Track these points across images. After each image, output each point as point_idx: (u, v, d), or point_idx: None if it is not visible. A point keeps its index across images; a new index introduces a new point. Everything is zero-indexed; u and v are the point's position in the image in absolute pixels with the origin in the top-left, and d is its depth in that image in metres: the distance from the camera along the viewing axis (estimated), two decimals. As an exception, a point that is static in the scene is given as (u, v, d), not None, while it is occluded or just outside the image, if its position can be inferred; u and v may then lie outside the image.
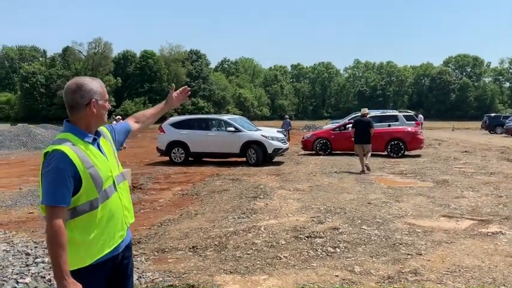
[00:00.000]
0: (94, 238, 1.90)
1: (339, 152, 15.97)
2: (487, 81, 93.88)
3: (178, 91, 2.63)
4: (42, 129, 24.07)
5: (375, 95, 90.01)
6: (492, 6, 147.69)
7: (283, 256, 4.66)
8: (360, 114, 12.91)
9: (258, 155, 13.06)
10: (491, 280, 3.95)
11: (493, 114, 38.73)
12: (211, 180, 10.25)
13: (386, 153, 14.97)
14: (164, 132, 14.10)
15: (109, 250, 1.97)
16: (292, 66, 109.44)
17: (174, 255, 4.80)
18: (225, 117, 14.65)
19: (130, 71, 73.20)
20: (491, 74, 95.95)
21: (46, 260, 4.46)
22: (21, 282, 3.87)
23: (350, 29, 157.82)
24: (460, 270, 4.19)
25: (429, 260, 4.51)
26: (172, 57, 73.44)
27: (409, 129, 15.80)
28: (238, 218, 6.41)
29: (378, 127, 14.74)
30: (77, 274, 1.81)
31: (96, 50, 70.07)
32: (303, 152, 16.98)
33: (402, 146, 14.97)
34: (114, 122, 2.40)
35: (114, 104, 57.50)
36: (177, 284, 3.94)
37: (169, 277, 4.13)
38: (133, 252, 2.40)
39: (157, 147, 14.43)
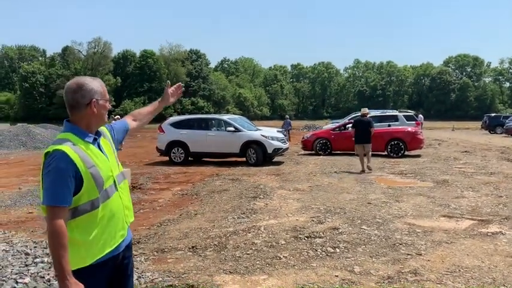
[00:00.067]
0: (95, 238, 1.90)
1: (338, 152, 15.96)
2: (487, 81, 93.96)
3: (173, 87, 2.63)
4: (42, 129, 24.07)
5: (375, 95, 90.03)
6: (492, 6, 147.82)
7: (283, 256, 4.65)
8: (360, 114, 12.91)
9: (258, 155, 13.05)
10: (491, 280, 3.95)
11: (493, 114, 38.75)
12: (211, 180, 10.25)
13: (386, 153, 14.97)
14: (164, 132, 14.09)
15: (110, 250, 1.96)
16: (292, 66, 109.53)
17: (173, 255, 4.79)
18: (225, 117, 14.64)
19: (129, 70, 73.24)
20: (491, 74, 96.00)
21: (45, 260, 4.46)
22: (21, 282, 3.86)
23: (350, 29, 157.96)
24: (459, 271, 4.19)
25: (429, 260, 4.50)
26: (172, 56, 73.46)
27: (409, 129, 15.80)
28: (238, 218, 6.40)
29: (378, 127, 14.74)
30: (77, 274, 1.81)
31: (95, 50, 70.10)
32: (302, 152, 16.98)
33: (402, 146, 14.96)
34: (113, 122, 2.39)
35: (114, 103, 57.46)
36: (177, 284, 3.94)
37: (169, 277, 4.12)
38: (133, 252, 2.39)
39: (157, 147, 14.42)
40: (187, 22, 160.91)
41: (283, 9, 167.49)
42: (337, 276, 4.10)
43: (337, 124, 19.52)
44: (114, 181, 2.02)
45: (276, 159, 14.17)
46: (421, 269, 4.24)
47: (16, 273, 4.06)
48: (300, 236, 5.35)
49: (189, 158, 13.90)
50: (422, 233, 5.48)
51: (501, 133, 30.54)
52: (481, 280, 3.96)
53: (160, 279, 4.07)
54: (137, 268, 4.28)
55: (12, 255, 4.62)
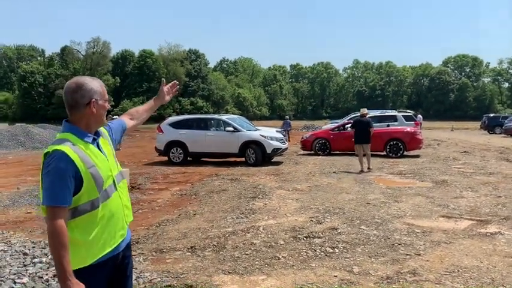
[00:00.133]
0: (95, 238, 1.89)
1: (337, 152, 15.96)
2: (486, 82, 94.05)
3: (168, 85, 2.63)
4: (40, 129, 24.02)
5: (374, 95, 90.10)
6: (491, 6, 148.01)
7: (282, 256, 4.65)
8: (359, 114, 12.94)
9: (257, 155, 13.05)
10: (490, 280, 3.95)
11: (492, 115, 38.84)
12: (209, 180, 10.24)
13: (385, 153, 14.97)
14: (163, 132, 14.08)
15: (110, 249, 1.96)
16: (291, 66, 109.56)
17: (172, 256, 4.79)
18: (224, 117, 14.63)
19: (128, 70, 73.21)
20: (490, 74, 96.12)
21: (44, 260, 4.45)
22: (19, 283, 3.85)
23: (349, 29, 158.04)
24: (458, 271, 4.19)
25: (428, 260, 4.50)
26: (171, 56, 73.39)
27: (408, 129, 15.81)
28: (236, 218, 6.40)
29: (377, 127, 14.73)
30: (78, 274, 1.80)
31: (94, 50, 70.00)
32: (302, 152, 16.98)
33: (401, 146, 14.96)
34: (111, 122, 2.39)
35: (113, 103, 57.41)
36: (175, 284, 3.93)
37: (168, 277, 4.12)
38: (132, 252, 2.39)
39: (155, 147, 14.40)
40: (186, 22, 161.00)
41: (283, 10, 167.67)
42: (336, 276, 4.10)
43: (336, 124, 19.52)
44: (114, 181, 2.01)
45: (275, 159, 14.17)
46: (420, 269, 4.24)
47: (14, 274, 4.05)
48: (298, 236, 5.35)
49: (188, 158, 13.89)
50: (421, 233, 5.48)
51: (500, 133, 30.58)
52: (480, 280, 3.96)
53: (159, 279, 4.07)
54: (136, 268, 4.27)
55: (10, 255, 4.61)
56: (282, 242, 5.13)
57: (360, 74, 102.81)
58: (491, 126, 33.59)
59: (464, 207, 6.97)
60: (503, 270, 4.20)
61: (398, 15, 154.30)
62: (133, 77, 71.75)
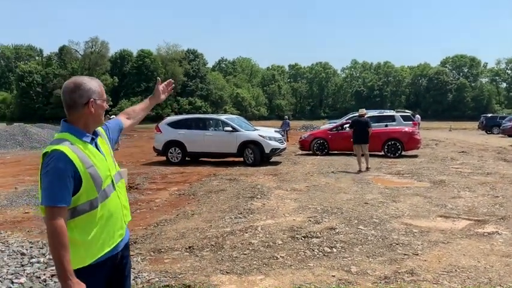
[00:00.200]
0: (94, 238, 1.89)
1: (336, 152, 15.98)
2: (483, 82, 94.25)
3: (163, 84, 2.63)
4: (39, 129, 23.98)
5: (372, 95, 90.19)
6: (489, 7, 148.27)
7: (280, 256, 4.65)
8: (357, 114, 12.97)
9: (256, 155, 13.05)
10: (487, 280, 3.96)
11: (489, 115, 38.96)
12: (208, 180, 10.24)
13: (383, 153, 15.00)
14: (161, 131, 14.06)
15: (109, 249, 1.96)
16: (289, 66, 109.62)
17: (170, 256, 4.78)
18: (223, 117, 14.63)
19: (127, 70, 73.16)
20: (488, 75, 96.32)
21: (41, 260, 4.45)
22: (16, 283, 3.85)
23: (347, 29, 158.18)
24: (456, 270, 4.20)
25: (426, 260, 4.51)
26: (170, 56, 73.35)
27: (406, 129, 15.84)
28: (235, 218, 6.40)
29: (375, 127, 14.76)
30: (77, 274, 1.80)
31: (92, 49, 69.91)
32: (300, 152, 16.98)
33: (399, 146, 14.99)
34: (108, 121, 2.39)
35: (111, 103, 57.33)
36: (173, 284, 3.93)
37: (166, 277, 4.12)
38: (130, 252, 2.39)
39: (154, 147, 14.39)
40: (185, 22, 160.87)
41: (281, 10, 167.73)
42: (334, 276, 4.11)
43: (335, 124, 19.53)
44: (112, 181, 2.01)
45: (273, 159, 14.17)
46: (417, 269, 4.25)
47: (12, 274, 4.04)
48: (297, 236, 5.35)
49: (186, 158, 13.88)
50: (419, 233, 5.49)
51: (498, 133, 30.67)
52: (477, 280, 3.97)
53: (157, 279, 4.06)
54: (134, 268, 4.26)
55: (8, 255, 4.61)
56: (280, 242, 5.14)
57: (358, 74, 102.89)
58: (489, 127, 33.69)
59: (462, 207, 6.98)
60: (500, 270, 4.21)
61: (396, 16, 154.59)
62: (132, 76, 71.71)
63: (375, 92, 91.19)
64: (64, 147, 1.82)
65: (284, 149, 14.31)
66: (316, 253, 4.75)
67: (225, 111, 69.12)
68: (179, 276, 4.13)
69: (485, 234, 5.45)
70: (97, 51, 69.94)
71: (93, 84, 1.99)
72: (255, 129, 14.40)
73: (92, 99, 1.95)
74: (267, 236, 5.41)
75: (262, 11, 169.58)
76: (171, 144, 13.76)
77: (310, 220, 6.14)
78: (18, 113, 65.62)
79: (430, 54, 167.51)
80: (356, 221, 6.05)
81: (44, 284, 3.88)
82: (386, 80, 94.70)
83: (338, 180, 9.91)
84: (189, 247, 5.01)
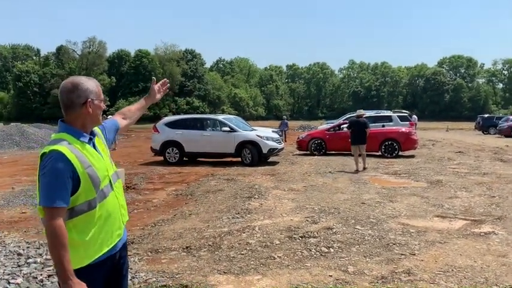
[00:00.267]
0: (92, 238, 1.90)
1: (333, 152, 16.00)
2: (480, 82, 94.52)
3: (158, 84, 2.64)
4: (36, 129, 23.93)
5: (369, 96, 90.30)
6: (486, 7, 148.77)
7: (277, 256, 4.65)
8: (356, 115, 13.02)
9: (253, 155, 13.05)
10: (484, 280, 3.98)
11: (486, 115, 39.08)
12: (205, 180, 10.23)
13: (380, 153, 15.03)
14: (158, 131, 14.05)
15: (107, 249, 1.97)
16: (287, 66, 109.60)
17: (167, 256, 4.78)
18: (220, 117, 14.63)
19: (124, 70, 73.03)
20: (484, 75, 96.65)
21: (38, 260, 4.44)
22: (13, 283, 3.84)
23: (345, 30, 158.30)
24: (452, 270, 4.21)
25: (422, 260, 4.53)
26: (167, 56, 73.30)
27: (403, 129, 15.88)
28: (232, 218, 6.40)
29: (372, 127, 14.78)
30: (76, 274, 1.80)
31: (90, 49, 69.75)
32: (297, 152, 17.00)
33: (396, 147, 15.02)
34: (104, 121, 2.38)
35: (109, 103, 57.27)
36: (171, 284, 3.93)
37: (163, 277, 4.11)
38: (127, 252, 2.40)
39: (151, 147, 14.37)
40: (183, 22, 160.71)
41: (279, 10, 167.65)
42: (331, 276, 4.11)
43: (332, 124, 19.56)
44: (110, 181, 2.02)
45: (271, 159, 14.18)
46: (414, 268, 4.26)
47: (8, 274, 4.03)
48: (294, 236, 5.36)
49: (184, 158, 13.87)
50: (416, 233, 5.50)
51: (494, 134, 30.79)
52: (474, 280, 3.98)
53: (154, 279, 4.06)
54: (131, 268, 4.26)
55: (4, 256, 4.59)
56: (278, 242, 5.14)
57: (355, 75, 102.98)
58: (486, 127, 33.80)
59: (459, 207, 7.01)
60: (496, 269, 4.23)
61: (393, 16, 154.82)
62: (129, 76, 71.60)
63: (372, 92, 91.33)
64: (62, 148, 1.82)
65: (282, 149, 14.33)
66: (313, 253, 4.76)
67: (223, 112, 69.05)
68: (176, 276, 4.13)
69: (481, 234, 5.47)
70: (94, 51, 69.80)
71: (90, 84, 1.99)
72: (253, 130, 14.41)
73: (89, 100, 1.95)
74: (265, 236, 5.41)
75: (260, 11, 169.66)
76: (168, 144, 13.74)
77: (307, 220, 6.15)
78: (15, 112, 65.41)
79: (427, 54, 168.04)
80: (353, 221, 6.06)
81: (41, 284, 3.87)
82: (383, 80, 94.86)
83: (335, 180, 9.93)
84: (187, 247, 5.01)
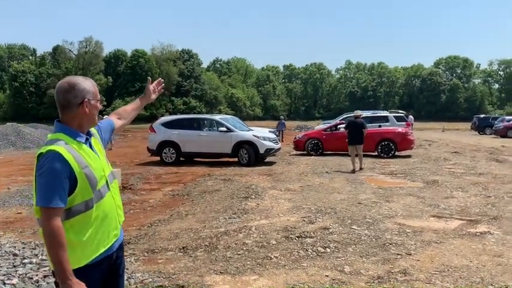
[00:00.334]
0: (89, 238, 1.89)
1: (330, 152, 16.03)
2: (476, 83, 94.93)
3: (153, 84, 2.63)
4: (32, 129, 23.82)
5: (366, 96, 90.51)
6: (482, 8, 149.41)
7: (274, 256, 4.66)
8: (353, 115, 13.11)
9: (250, 155, 13.05)
10: (479, 280, 3.99)
11: (482, 116, 39.25)
12: (202, 181, 10.22)
13: (376, 153, 15.06)
14: (155, 132, 14.02)
15: (104, 250, 1.96)
16: (284, 66, 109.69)
17: (164, 256, 4.78)
18: (217, 117, 14.63)
19: (121, 70, 72.89)
20: (480, 76, 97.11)
21: (34, 261, 4.42)
22: (8, 284, 3.82)
23: (341, 30, 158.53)
24: (448, 270, 4.23)
25: (418, 260, 4.54)
26: (164, 56, 73.19)
27: (400, 129, 15.94)
28: (229, 218, 6.39)
29: (369, 128, 14.83)
30: (74, 274, 1.80)
31: (86, 49, 69.61)
32: (294, 152, 17.02)
33: (393, 147, 15.06)
34: (99, 121, 2.38)
35: (105, 103, 57.13)
36: (167, 285, 3.93)
37: (159, 278, 4.11)
38: (124, 252, 2.40)
39: (148, 147, 14.35)
40: (179, 22, 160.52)
41: (276, 10, 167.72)
42: (327, 276, 4.12)
43: (329, 125, 19.60)
44: (107, 181, 2.01)
45: (268, 159, 14.18)
46: (410, 268, 4.27)
47: (4, 275, 4.01)
48: (290, 236, 5.36)
49: (181, 158, 13.85)
50: (412, 233, 5.52)
51: (490, 134, 30.95)
52: (470, 279, 4.00)
53: (151, 279, 4.06)
54: (127, 269, 4.25)
55: (0, 256, 4.57)
56: (274, 242, 5.14)
57: (352, 75, 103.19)
58: (482, 127, 33.96)
59: (455, 207, 7.03)
60: (492, 269, 4.25)
61: (390, 16, 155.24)
62: (126, 76, 71.45)
63: (369, 92, 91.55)
64: (59, 148, 1.81)
65: (278, 149, 14.34)
66: (309, 253, 4.76)
67: (220, 112, 69.04)
68: (173, 277, 4.13)
69: (477, 234, 5.49)
70: (91, 51, 69.66)
71: (87, 84, 1.99)
72: (250, 130, 14.41)
73: (86, 100, 1.95)
74: (261, 236, 5.41)
75: (257, 12, 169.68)
76: (165, 144, 13.72)
77: (304, 220, 6.16)
78: (11, 112, 65.16)
79: (424, 55, 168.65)
80: (349, 221, 6.07)
81: (37, 284, 3.86)
82: (380, 80, 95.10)
83: (332, 181, 9.94)
84: (183, 247, 5.00)
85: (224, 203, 7.57)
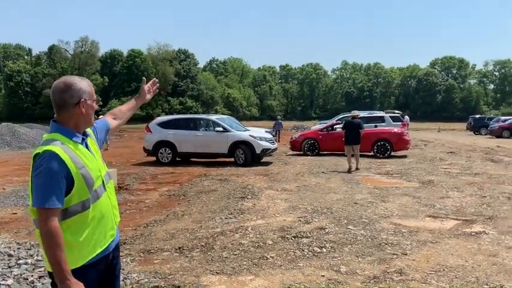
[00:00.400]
0: (86, 239, 1.89)
1: (326, 152, 16.05)
2: (472, 83, 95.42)
3: (148, 84, 2.63)
4: (27, 129, 23.71)
5: (362, 96, 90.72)
6: (477, 9, 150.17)
7: (270, 256, 4.66)
8: (350, 115, 13.15)
9: (246, 155, 13.05)
10: (475, 279, 4.01)
11: (477, 116, 39.43)
12: (198, 181, 10.21)
13: (372, 153, 15.10)
14: (151, 132, 13.99)
15: (100, 250, 1.96)
16: (280, 66, 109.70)
17: (160, 256, 4.77)
18: (213, 117, 14.61)
19: (117, 70, 72.68)
20: (476, 76, 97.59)
21: (29, 261, 4.40)
22: (3, 284, 3.80)
23: (338, 30, 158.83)
24: (444, 270, 4.24)
25: (414, 259, 4.56)
26: (160, 56, 73.06)
27: (396, 130, 15.97)
28: (225, 218, 6.39)
29: (365, 128, 14.88)
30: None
31: (82, 49, 69.34)
32: (291, 152, 17.03)
33: (388, 147, 15.10)
34: (94, 121, 2.38)
35: (101, 103, 56.93)
36: (163, 285, 3.92)
37: (155, 278, 4.10)
38: (119, 253, 2.40)
39: (144, 147, 14.31)
40: (176, 22, 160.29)
41: (272, 10, 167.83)
42: (323, 276, 4.12)
43: (325, 125, 19.62)
44: (103, 181, 2.01)
45: (264, 159, 14.18)
46: (406, 268, 4.29)
47: (-1, 275, 3.99)
48: (287, 236, 5.37)
49: (177, 159, 13.83)
50: (408, 233, 5.53)
51: (485, 134, 31.08)
52: (465, 279, 4.01)
53: (146, 280, 4.05)
54: (123, 269, 4.24)
55: (-5, 257, 4.54)
56: (270, 242, 5.14)
57: (348, 75, 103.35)
58: (477, 127, 34.12)
59: (450, 207, 7.06)
60: (487, 269, 4.27)
61: (385, 17, 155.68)
62: (122, 76, 71.26)
63: (365, 93, 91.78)
64: (56, 148, 1.81)
65: (275, 149, 14.34)
66: (306, 253, 4.77)
67: (216, 112, 68.99)
68: (169, 277, 4.12)
69: (472, 233, 5.51)
70: (87, 50, 69.40)
71: (83, 84, 1.98)
72: (246, 130, 14.41)
73: (82, 100, 1.94)
74: (257, 236, 5.41)
75: (254, 12, 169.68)
76: (161, 144, 13.70)
77: (300, 220, 6.16)
78: (6, 112, 64.84)
79: (420, 55, 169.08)
80: (345, 221, 6.08)
81: (32, 285, 3.84)
82: (376, 81, 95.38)
83: (328, 181, 9.96)
84: (179, 248, 4.99)
85: (220, 203, 7.56)
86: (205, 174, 11.37)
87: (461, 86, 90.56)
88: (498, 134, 28.13)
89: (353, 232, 5.54)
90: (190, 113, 55.15)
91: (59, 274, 1.75)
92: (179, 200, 8.08)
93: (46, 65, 70.77)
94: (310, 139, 16.44)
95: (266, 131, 16.33)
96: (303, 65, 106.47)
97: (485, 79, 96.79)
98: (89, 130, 2.12)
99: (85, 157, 1.92)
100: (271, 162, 13.91)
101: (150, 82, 2.65)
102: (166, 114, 54.39)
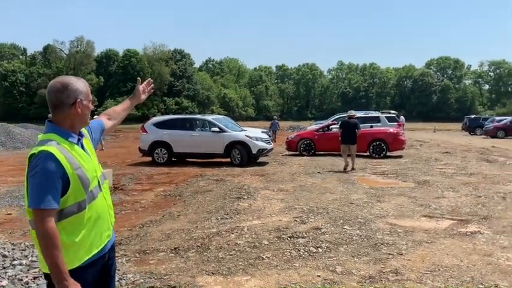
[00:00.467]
0: (82, 239, 1.88)
1: (322, 152, 16.07)
2: (467, 84, 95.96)
3: (143, 84, 2.63)
4: (22, 129, 23.58)
5: (358, 97, 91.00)
6: (473, 9, 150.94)
7: (266, 256, 4.65)
8: (347, 115, 13.19)
9: (243, 155, 13.04)
10: (470, 279, 4.02)
11: (473, 116, 39.60)
12: (194, 181, 10.19)
13: (368, 153, 15.13)
14: (147, 132, 13.96)
15: (97, 251, 1.96)
16: (276, 67, 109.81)
17: (155, 257, 4.75)
18: (209, 117, 14.59)
19: (112, 70, 72.46)
20: (471, 77, 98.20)
21: (24, 262, 4.37)
22: (-2, 286, 3.78)
23: (334, 31, 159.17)
24: (439, 270, 4.26)
25: (410, 259, 4.57)
26: (156, 56, 72.87)
27: (391, 130, 16.03)
28: (221, 218, 6.38)
29: (360, 128, 14.93)
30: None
31: (78, 49, 68.99)
32: (287, 152, 17.03)
33: (384, 147, 15.15)
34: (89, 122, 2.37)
35: (97, 103, 56.70)
36: (158, 286, 3.91)
37: (151, 278, 4.09)
38: (115, 253, 2.39)
39: (139, 148, 14.26)
40: (172, 22, 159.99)
41: (269, 10, 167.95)
42: (319, 276, 4.13)
43: (321, 125, 19.65)
44: (98, 182, 2.01)
45: (260, 159, 14.18)
46: (401, 268, 4.30)
47: (-7, 276, 3.96)
48: (283, 236, 5.37)
49: (173, 159, 13.80)
50: (404, 233, 5.55)
51: (481, 134, 31.24)
52: (460, 279, 4.03)
53: (142, 280, 4.03)
54: (119, 270, 4.22)
55: (-11, 258, 4.51)
56: (266, 242, 5.14)
57: (344, 76, 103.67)
58: (472, 128, 34.28)
59: (446, 207, 7.09)
60: (482, 268, 4.28)
61: (381, 17, 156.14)
62: (118, 76, 71.06)
63: (361, 93, 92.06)
64: (52, 148, 1.80)
65: (271, 149, 14.34)
66: (301, 253, 4.77)
67: (212, 112, 68.91)
68: (164, 278, 4.11)
69: (468, 233, 5.54)
70: (82, 50, 69.07)
71: (79, 84, 1.98)
72: (242, 130, 14.40)
73: (78, 100, 1.94)
74: (253, 236, 5.41)
75: (250, 12, 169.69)
76: (157, 144, 13.66)
77: (296, 220, 6.17)
78: (1, 112, 64.32)
79: (415, 56, 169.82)
80: (341, 221, 6.09)
81: (26, 286, 3.81)
82: (371, 81, 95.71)
83: (324, 181, 9.97)
84: (175, 248, 4.98)
85: (216, 203, 7.55)
86: (201, 174, 11.35)
87: (457, 86, 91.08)
88: (493, 134, 28.29)
89: (349, 232, 5.55)
90: (186, 113, 55.07)
91: (57, 275, 1.74)
92: (175, 200, 8.06)
93: (41, 64, 70.43)
94: (306, 139, 16.46)
95: (262, 131, 16.34)
96: (299, 65, 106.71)
97: (480, 79, 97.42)
98: (84, 130, 2.11)
99: (81, 158, 1.91)
100: (267, 163, 13.91)
101: (145, 82, 2.65)
102: (162, 114, 54.26)
